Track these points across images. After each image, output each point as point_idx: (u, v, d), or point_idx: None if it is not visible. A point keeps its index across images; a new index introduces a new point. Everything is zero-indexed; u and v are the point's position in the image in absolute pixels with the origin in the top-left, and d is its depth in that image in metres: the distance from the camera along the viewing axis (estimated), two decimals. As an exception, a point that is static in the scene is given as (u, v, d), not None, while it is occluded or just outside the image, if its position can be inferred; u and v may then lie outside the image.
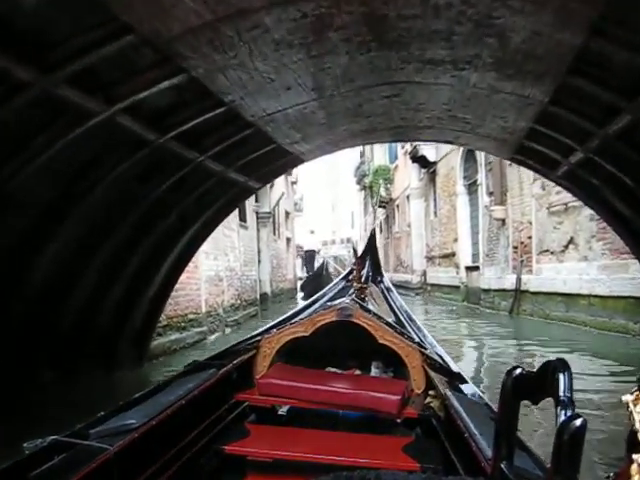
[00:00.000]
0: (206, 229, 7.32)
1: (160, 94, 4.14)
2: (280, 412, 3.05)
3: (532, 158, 6.76)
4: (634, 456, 0.84)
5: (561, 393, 1.06)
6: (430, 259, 21.93)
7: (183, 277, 9.10)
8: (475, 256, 16.80)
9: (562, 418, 1.00)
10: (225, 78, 4.23)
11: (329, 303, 3.79)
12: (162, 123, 4.59)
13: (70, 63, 3.40)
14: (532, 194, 12.25)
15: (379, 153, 35.27)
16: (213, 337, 10.58)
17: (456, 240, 18.10)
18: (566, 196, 10.72)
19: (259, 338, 3.14)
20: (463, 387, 2.56)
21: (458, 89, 5.02)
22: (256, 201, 16.95)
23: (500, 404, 1.33)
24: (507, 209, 13.70)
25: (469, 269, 17.12)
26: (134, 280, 6.38)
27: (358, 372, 3.29)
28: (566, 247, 10.87)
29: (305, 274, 30.96)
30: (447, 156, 18.93)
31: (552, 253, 11.45)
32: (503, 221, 13.92)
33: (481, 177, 15.52)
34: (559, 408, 1.03)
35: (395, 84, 5.00)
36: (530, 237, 12.46)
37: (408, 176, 25.39)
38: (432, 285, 21.47)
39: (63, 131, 3.87)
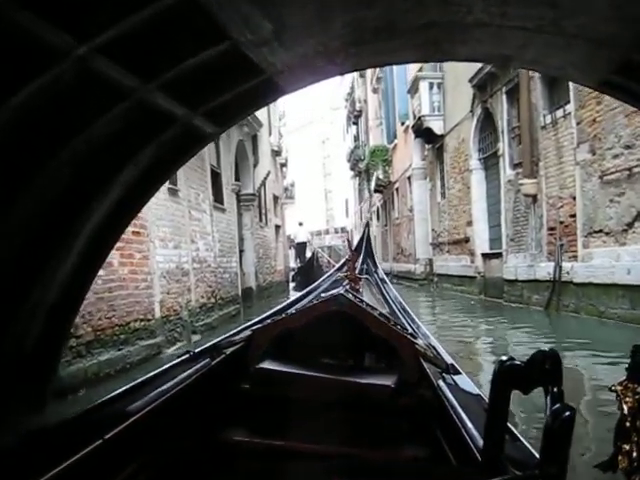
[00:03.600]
0: (135, 197, 4.76)
1: None
2: (274, 402, 2.71)
3: (640, 78, 4.26)
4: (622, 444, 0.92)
5: (551, 383, 1.10)
6: (437, 246, 19.40)
7: (123, 271, 6.59)
8: (494, 241, 14.32)
9: (551, 408, 1.02)
10: None
11: (323, 294, 3.73)
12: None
13: None
14: (576, 161, 9.75)
15: (376, 133, 32.90)
16: (172, 349, 8.06)
17: (470, 223, 15.60)
18: (629, 159, 8.28)
19: (253, 329, 3.16)
20: (456, 378, 2.55)
21: None
22: (236, 179, 14.39)
23: (491, 394, 1.33)
24: (540, 182, 11.20)
25: (487, 256, 14.64)
26: (10, 277, 3.88)
27: (351, 363, 3.19)
28: (630, 225, 8.38)
29: (297, 265, 29.18)
30: (457, 127, 16.44)
31: (608, 234, 8.96)
32: (534, 197, 11.41)
33: (503, 146, 13.00)
34: (549, 398, 1.08)
35: None
36: (573, 215, 9.96)
37: (409, 155, 22.97)
38: (440, 275, 18.96)
39: None
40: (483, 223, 14.96)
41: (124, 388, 2.17)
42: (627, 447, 0.93)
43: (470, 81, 14.34)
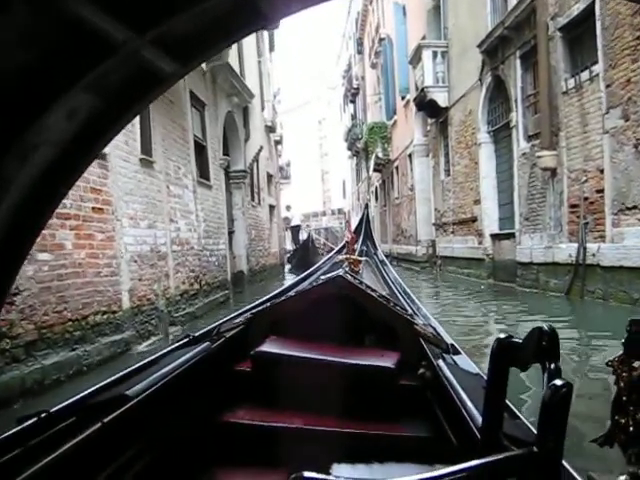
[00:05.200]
0: (73, 158, 3.63)
1: None
2: (274, 384, 2.65)
3: None
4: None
5: (548, 359, 1.09)
6: (441, 227, 18.28)
7: (79, 255, 5.49)
8: (505, 221, 13.23)
9: (548, 384, 1.01)
10: None
11: (322, 277, 3.67)
12: None
13: None
14: (605, 129, 8.61)
15: (374, 110, 31.75)
16: (145, 345, 6.96)
17: (477, 202, 14.48)
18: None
19: (253, 312, 3.16)
20: (456, 358, 2.55)
21: None
22: (225, 154, 13.21)
23: (489, 371, 1.34)
24: (560, 155, 10.05)
25: (497, 237, 13.55)
26: None
27: (352, 344, 3.10)
28: (672, 200, 7.31)
29: (293, 247, 28.40)
30: (464, 98, 15.25)
31: (643, 210, 7.87)
32: (553, 171, 10.27)
33: (517, 117, 11.84)
34: (546, 374, 1.07)
35: None
36: (601, 190, 8.84)
37: (410, 132, 21.84)
38: (444, 258, 17.85)
39: None
40: (492, 201, 13.85)
41: (124, 372, 2.13)
42: (623, 421, 0.94)
43: (479, 47, 13.18)
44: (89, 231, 5.87)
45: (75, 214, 5.61)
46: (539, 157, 10.48)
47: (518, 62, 11.61)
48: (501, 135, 13.27)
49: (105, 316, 6.09)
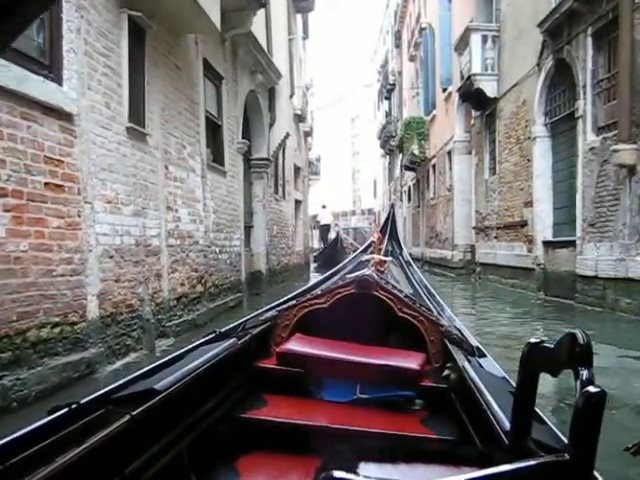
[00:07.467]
0: None
1: None
2: (298, 381, 2.73)
3: None
4: None
5: (581, 366, 1.05)
6: (482, 231, 16.51)
7: (18, 247, 3.99)
8: (561, 226, 11.51)
9: (581, 390, 0.99)
10: None
11: (348, 275, 3.67)
12: None
13: None
14: None
15: (411, 106, 30.10)
16: (118, 364, 5.39)
17: (528, 204, 12.74)
18: None
19: (279, 309, 3.17)
20: (482, 361, 2.51)
21: None
22: (244, 137, 11.63)
23: (519, 375, 1.32)
24: (642, 149, 8.34)
25: (550, 245, 11.80)
26: None
27: (377, 344, 3.04)
28: None
29: (321, 246, 27.27)
30: (516, 87, 13.52)
31: None
32: (632, 169, 8.52)
33: (584, 105, 10.08)
34: (578, 381, 1.03)
35: None
36: (698, 192, 7.14)
37: (450, 127, 20.15)
38: (484, 265, 16.08)
39: None
40: (547, 204, 12.11)
41: (152, 366, 2.12)
42: None
43: (539, 26, 11.44)
44: (38, 214, 4.34)
45: (14, 190, 4.08)
46: (614, 151, 8.73)
47: (589, 40, 9.85)
48: (561, 128, 11.53)
49: (57, 329, 4.54)
